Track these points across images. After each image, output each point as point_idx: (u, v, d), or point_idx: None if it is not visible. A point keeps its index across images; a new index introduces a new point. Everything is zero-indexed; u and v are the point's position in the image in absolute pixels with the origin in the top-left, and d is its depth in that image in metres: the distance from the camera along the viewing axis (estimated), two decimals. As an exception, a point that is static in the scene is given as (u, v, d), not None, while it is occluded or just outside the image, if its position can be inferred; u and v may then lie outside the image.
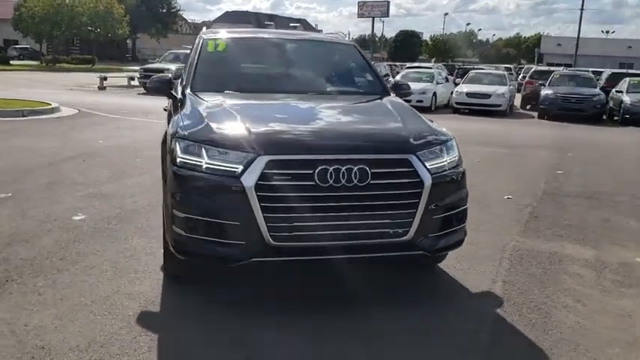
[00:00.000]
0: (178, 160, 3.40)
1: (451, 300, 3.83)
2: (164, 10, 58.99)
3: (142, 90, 22.06)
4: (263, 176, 3.16)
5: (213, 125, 3.52)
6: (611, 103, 18.54)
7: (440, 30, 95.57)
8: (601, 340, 3.30)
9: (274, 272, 3.94)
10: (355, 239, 3.31)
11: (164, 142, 3.95)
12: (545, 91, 18.23)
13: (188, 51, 23.53)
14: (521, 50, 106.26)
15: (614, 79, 20.85)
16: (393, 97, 4.56)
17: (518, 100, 21.80)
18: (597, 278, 4.26)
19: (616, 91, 18.56)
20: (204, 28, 5.58)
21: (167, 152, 3.67)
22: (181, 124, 3.65)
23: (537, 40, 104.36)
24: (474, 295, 3.89)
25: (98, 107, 15.06)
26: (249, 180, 3.16)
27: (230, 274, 3.87)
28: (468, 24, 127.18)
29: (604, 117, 18.39)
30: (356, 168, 3.21)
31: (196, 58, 4.63)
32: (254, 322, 3.36)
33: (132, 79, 24.94)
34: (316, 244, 3.27)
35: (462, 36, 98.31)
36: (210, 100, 4.07)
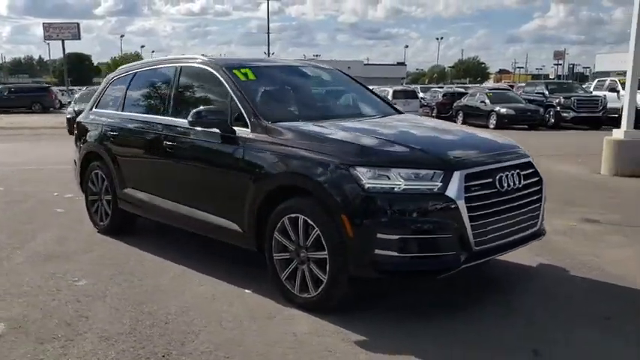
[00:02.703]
0: (367, 186, 3.49)
1: (541, 279, 4.59)
2: None
3: None
4: (466, 189, 3.52)
5: (385, 148, 3.70)
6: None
7: (113, 52, 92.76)
8: (649, 278, 4.52)
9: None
10: (518, 234, 3.89)
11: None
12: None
13: None
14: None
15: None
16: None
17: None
18: (574, 240, 5.55)
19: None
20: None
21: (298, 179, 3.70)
22: (337, 151, 3.67)
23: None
24: (542, 270, 4.75)
25: None
26: (457, 194, 3.48)
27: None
28: (143, 46, 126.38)
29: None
30: (515, 173, 3.82)
31: (236, 89, 4.43)
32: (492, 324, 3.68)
33: None
34: (500, 243, 3.75)
35: (132, 57, 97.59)
36: (314, 128, 4.10)
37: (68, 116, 19.14)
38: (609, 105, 21.46)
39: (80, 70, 72.67)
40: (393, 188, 3.49)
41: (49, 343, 3.46)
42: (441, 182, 3.50)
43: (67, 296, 4.22)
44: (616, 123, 21.17)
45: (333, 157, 3.66)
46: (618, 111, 21.26)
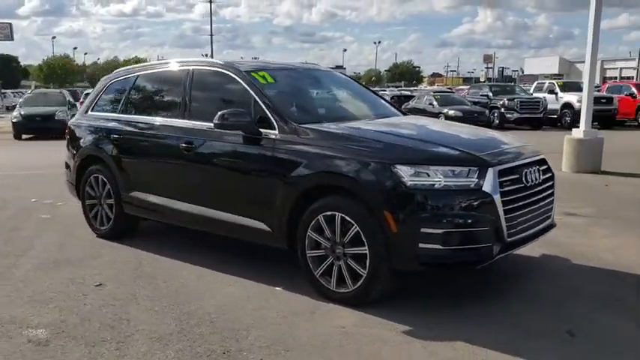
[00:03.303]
0: (409, 183, 3.68)
1: (549, 268, 4.90)
2: None
3: None
4: (500, 184, 3.77)
5: (422, 147, 3.92)
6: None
7: (39, 54, 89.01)
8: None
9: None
10: (538, 226, 4.17)
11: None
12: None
13: None
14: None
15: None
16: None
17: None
18: (564, 232, 5.89)
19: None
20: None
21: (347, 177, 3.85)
22: (376, 151, 3.85)
23: (135, 62, 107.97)
24: (547, 260, 5.06)
25: None
26: (493, 189, 3.72)
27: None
28: (75, 48, 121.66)
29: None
30: (536, 169, 4.12)
31: (259, 92, 4.53)
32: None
33: None
34: (526, 235, 4.02)
35: (59, 60, 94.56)
36: (344, 129, 4.26)
37: (14, 120, 18.47)
38: (548, 106, 22.57)
39: (7, 72, 69.39)
40: (434, 185, 3.69)
41: (101, 346, 3.47)
42: (477, 178, 3.72)
43: (96, 300, 4.20)
44: (554, 123, 22.39)
45: (373, 156, 3.82)
46: (557, 112, 22.43)
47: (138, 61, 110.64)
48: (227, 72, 4.81)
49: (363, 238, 3.81)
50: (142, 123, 5.37)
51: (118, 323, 3.79)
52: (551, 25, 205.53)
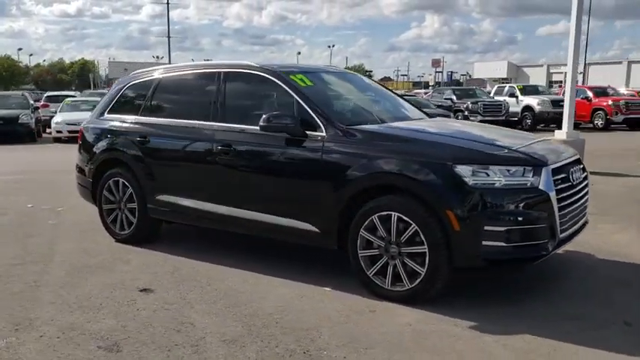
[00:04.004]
0: (471, 182, 3.80)
1: (580, 263, 5.10)
2: None
3: None
4: (554, 182, 3.93)
5: (480, 148, 4.04)
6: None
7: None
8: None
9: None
10: (579, 222, 4.36)
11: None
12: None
13: None
14: (69, 74, 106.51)
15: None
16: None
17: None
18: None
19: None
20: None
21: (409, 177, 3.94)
22: (435, 151, 3.96)
23: (82, 64, 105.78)
24: (574, 257, 5.24)
25: None
26: (549, 187, 3.88)
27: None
28: (20, 49, 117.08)
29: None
30: (578, 167, 4.32)
31: (302, 94, 4.56)
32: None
33: None
34: (571, 231, 4.20)
35: (3, 61, 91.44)
36: (395, 130, 4.37)
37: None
38: (510, 109, 23.30)
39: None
40: (494, 184, 3.83)
41: (177, 350, 3.44)
42: (532, 177, 3.88)
43: (148, 305, 4.14)
44: (515, 126, 23.10)
45: (432, 156, 3.93)
46: (518, 115, 23.16)
47: (84, 62, 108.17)
48: (265, 75, 4.82)
49: (422, 237, 3.90)
50: (170, 125, 5.31)
51: (182, 327, 3.76)
52: (495, 30, 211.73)
